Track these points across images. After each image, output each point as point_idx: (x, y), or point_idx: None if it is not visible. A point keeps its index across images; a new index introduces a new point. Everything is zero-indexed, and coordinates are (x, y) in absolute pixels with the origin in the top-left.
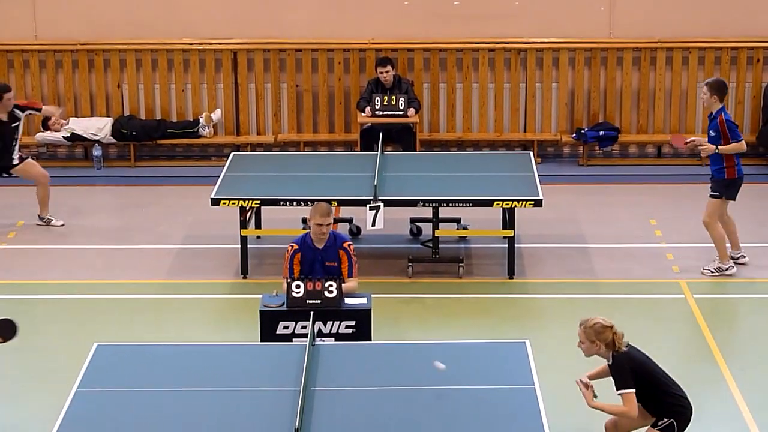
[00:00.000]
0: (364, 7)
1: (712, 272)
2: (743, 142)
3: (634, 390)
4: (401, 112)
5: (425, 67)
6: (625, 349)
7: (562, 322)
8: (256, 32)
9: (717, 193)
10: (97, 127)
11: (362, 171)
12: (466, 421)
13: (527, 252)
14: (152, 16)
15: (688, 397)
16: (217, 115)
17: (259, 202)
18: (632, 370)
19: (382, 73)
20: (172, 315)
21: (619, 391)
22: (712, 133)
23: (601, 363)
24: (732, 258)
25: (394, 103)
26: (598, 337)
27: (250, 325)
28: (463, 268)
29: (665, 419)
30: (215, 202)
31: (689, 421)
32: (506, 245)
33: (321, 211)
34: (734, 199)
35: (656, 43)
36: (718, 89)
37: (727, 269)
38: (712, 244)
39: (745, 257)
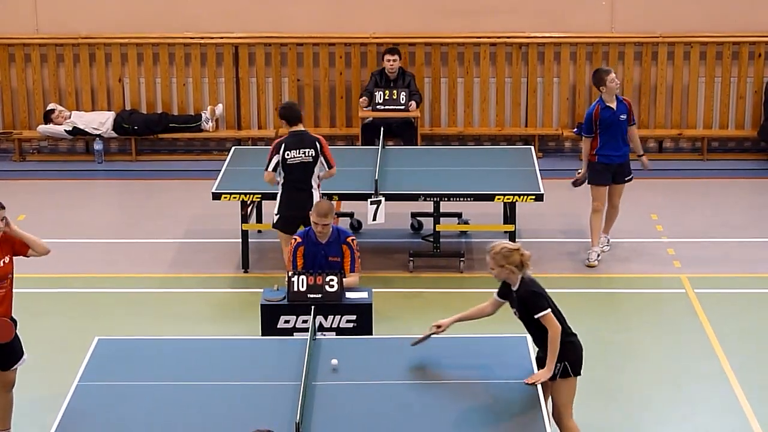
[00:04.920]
0: (365, 1)
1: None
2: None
3: (549, 309)
4: (402, 107)
5: (426, 61)
6: (529, 276)
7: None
8: (258, 26)
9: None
10: (99, 121)
11: (363, 165)
12: (467, 415)
13: (528, 246)
14: (154, 10)
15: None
16: (219, 109)
17: (260, 196)
18: (540, 294)
19: (389, 60)
20: (173, 309)
21: (538, 315)
22: (623, 117)
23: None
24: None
25: (395, 97)
26: (507, 260)
27: (251, 319)
28: (464, 263)
29: (558, 364)
30: (216, 196)
31: (582, 360)
32: (507, 240)
33: (318, 211)
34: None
35: (658, 37)
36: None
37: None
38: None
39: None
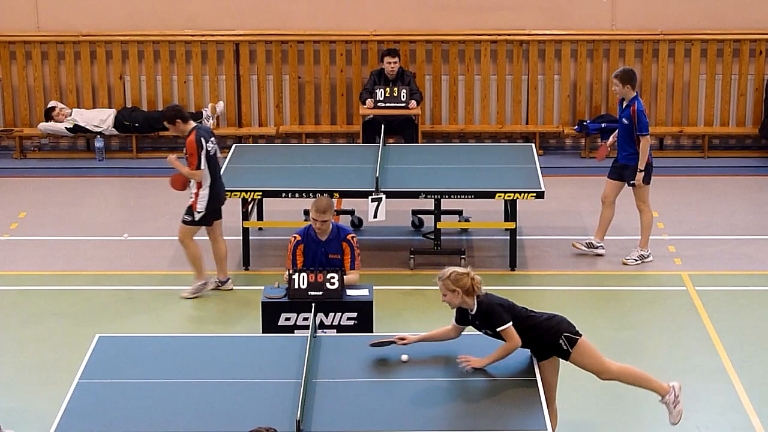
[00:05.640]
0: None
1: (635, 261)
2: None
3: (510, 323)
4: (403, 104)
5: (427, 58)
6: (483, 293)
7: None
8: (258, 24)
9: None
10: (100, 118)
11: (364, 163)
12: (468, 413)
13: (529, 244)
14: (154, 7)
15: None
16: (220, 106)
17: (260, 193)
18: (501, 305)
19: (390, 63)
20: (174, 306)
21: (499, 329)
22: (624, 121)
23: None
24: (593, 246)
25: (396, 95)
26: (457, 284)
27: (252, 316)
28: (465, 260)
29: (560, 342)
30: None
31: (571, 322)
32: (508, 237)
33: (317, 207)
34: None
35: (658, 34)
36: (630, 79)
37: (648, 256)
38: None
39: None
